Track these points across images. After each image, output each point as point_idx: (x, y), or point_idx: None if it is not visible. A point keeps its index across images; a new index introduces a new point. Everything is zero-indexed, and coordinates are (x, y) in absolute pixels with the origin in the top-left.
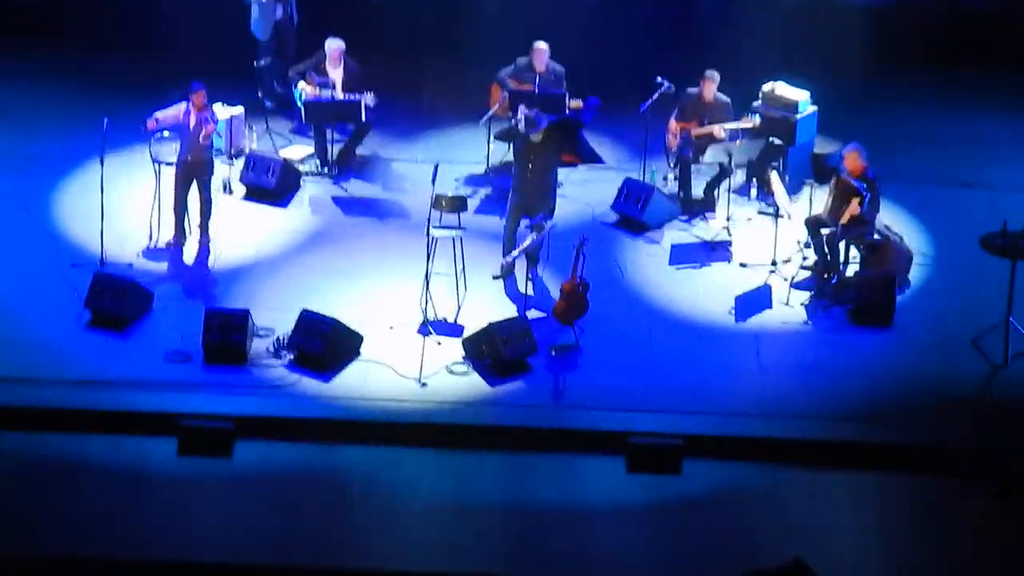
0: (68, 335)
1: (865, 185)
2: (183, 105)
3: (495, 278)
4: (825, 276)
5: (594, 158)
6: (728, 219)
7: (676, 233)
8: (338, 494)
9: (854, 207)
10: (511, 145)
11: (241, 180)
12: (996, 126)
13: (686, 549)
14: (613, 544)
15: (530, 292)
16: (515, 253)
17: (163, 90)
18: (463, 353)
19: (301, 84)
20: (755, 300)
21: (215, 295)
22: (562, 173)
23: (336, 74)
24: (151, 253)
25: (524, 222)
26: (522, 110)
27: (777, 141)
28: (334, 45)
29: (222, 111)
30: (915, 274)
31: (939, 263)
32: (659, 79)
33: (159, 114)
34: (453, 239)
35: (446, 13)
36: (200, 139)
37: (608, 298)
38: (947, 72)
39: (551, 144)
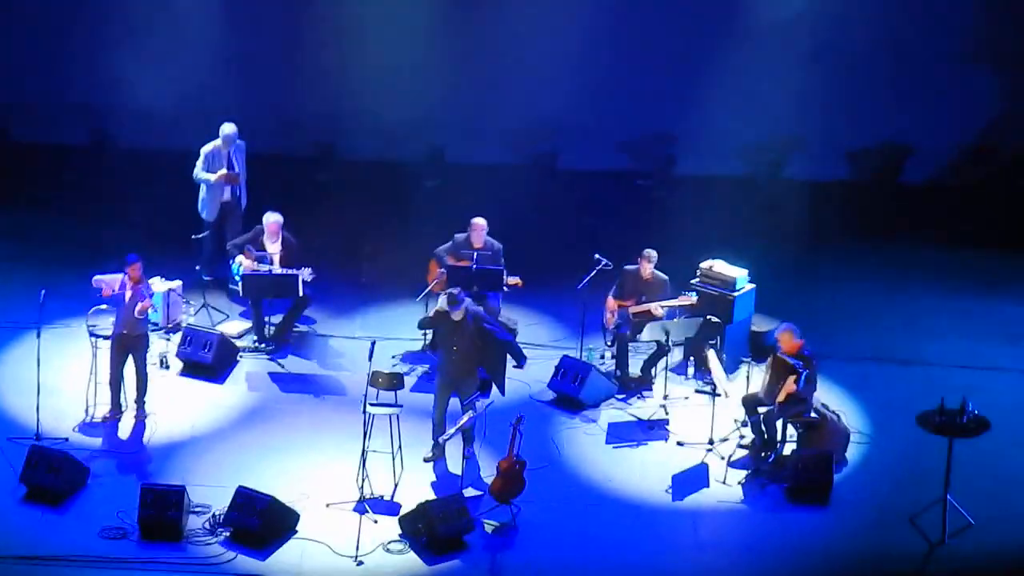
0: (3, 510)
1: (802, 363)
2: (119, 277)
3: (426, 460)
4: (762, 454)
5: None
6: (665, 397)
7: (613, 412)
8: None
9: (790, 385)
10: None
11: (178, 355)
12: (933, 302)
13: None
14: None
15: (466, 470)
16: (451, 432)
17: (101, 260)
18: (399, 531)
19: (239, 258)
20: (692, 478)
21: (151, 470)
22: None
23: (274, 248)
24: (87, 427)
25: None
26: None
27: (715, 319)
28: (272, 219)
29: (160, 284)
30: (852, 452)
31: (876, 441)
32: (597, 256)
33: (101, 278)
34: (390, 416)
35: (384, 189)
36: (135, 313)
37: (545, 476)
38: (885, 248)
39: (471, 322)
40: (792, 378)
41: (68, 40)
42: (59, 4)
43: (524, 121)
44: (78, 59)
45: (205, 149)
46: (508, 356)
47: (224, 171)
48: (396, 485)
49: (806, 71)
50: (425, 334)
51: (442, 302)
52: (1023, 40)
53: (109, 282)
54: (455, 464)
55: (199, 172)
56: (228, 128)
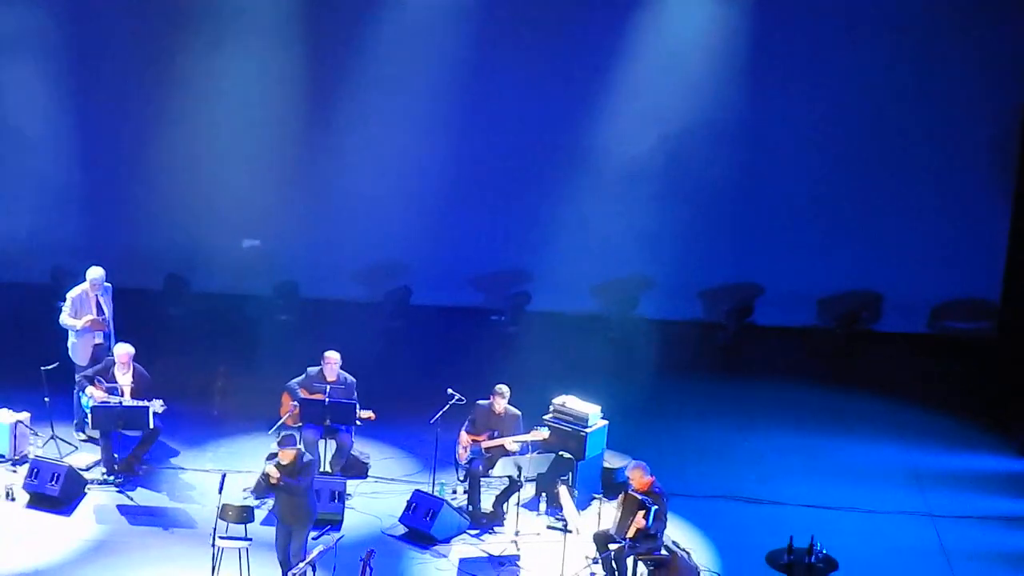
0: None
1: (651, 499)
2: None
3: None
4: None
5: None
6: (517, 533)
7: (465, 547)
8: None
9: (639, 520)
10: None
11: (24, 487)
12: (783, 440)
13: None
14: None
15: None
16: (300, 566)
17: None
18: None
19: (89, 389)
20: None
21: None
22: (350, 485)
23: (125, 379)
24: None
25: (313, 533)
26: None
27: (567, 454)
28: (123, 350)
29: (6, 416)
30: None
31: None
32: (450, 391)
33: None
34: (239, 550)
35: (237, 323)
36: None
37: None
38: (736, 386)
39: (299, 466)
40: (641, 513)
41: None
42: None
43: (378, 256)
44: None
45: (72, 294)
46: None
47: (90, 316)
48: None
49: (659, 210)
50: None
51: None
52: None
53: None
54: None
55: (65, 318)
56: (95, 272)
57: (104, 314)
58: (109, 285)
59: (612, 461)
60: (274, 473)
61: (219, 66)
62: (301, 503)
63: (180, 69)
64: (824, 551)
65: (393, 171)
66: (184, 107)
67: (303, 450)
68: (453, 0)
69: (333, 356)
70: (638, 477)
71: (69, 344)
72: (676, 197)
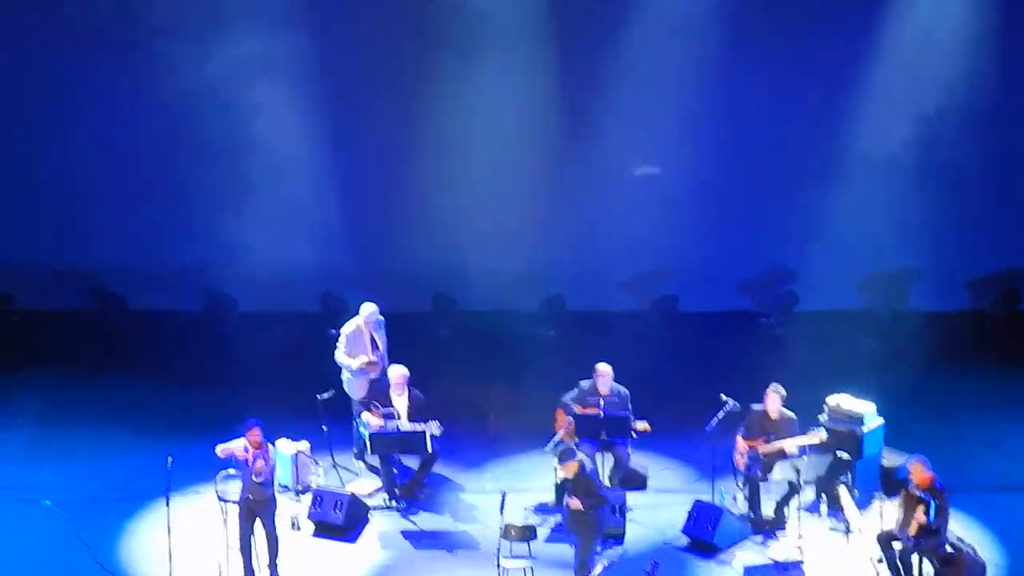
0: None
1: (931, 495)
2: (242, 441)
3: None
4: None
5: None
6: (799, 537)
7: (748, 554)
8: None
9: (921, 517)
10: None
11: (309, 516)
12: None
13: None
14: None
15: None
16: None
17: (226, 425)
18: None
19: (365, 415)
20: None
21: None
22: (631, 498)
23: (400, 403)
24: None
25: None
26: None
27: (844, 455)
28: (398, 372)
29: (287, 446)
30: None
31: (1014, 572)
32: (724, 397)
33: (222, 446)
34: (524, 569)
35: (506, 340)
36: (252, 475)
37: None
38: (1009, 375)
39: (582, 478)
40: (922, 509)
41: (182, 206)
42: (170, 171)
43: (643, 265)
44: (193, 225)
45: (346, 330)
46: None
47: (365, 358)
48: None
49: (918, 200)
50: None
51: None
52: None
53: (232, 449)
54: None
55: (341, 356)
56: (368, 308)
57: (379, 350)
58: (382, 319)
59: (890, 459)
60: (576, 505)
61: (472, 81)
62: (590, 514)
63: (433, 87)
64: None
65: (652, 177)
66: (440, 125)
67: (584, 460)
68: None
69: (605, 369)
70: (919, 472)
71: (344, 379)
72: (934, 186)
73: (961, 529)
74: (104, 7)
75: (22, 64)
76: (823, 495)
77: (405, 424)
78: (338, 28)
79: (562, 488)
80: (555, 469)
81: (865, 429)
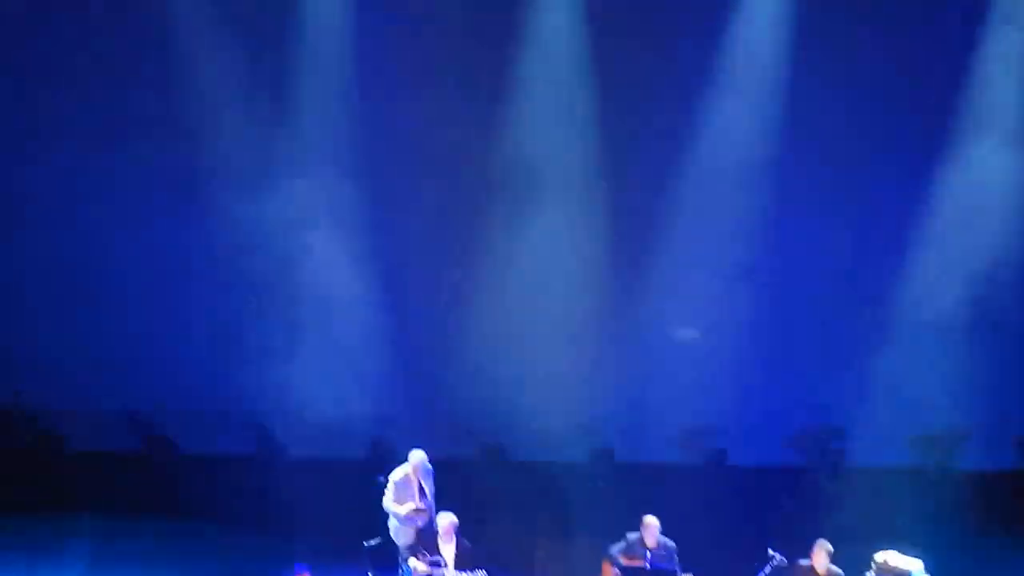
0: None
1: None
2: None
3: None
4: None
5: None
6: None
7: None
8: None
9: None
10: None
11: None
12: None
13: None
14: None
15: None
16: None
17: (274, 571)
18: None
19: (412, 561)
20: None
21: None
22: None
23: (448, 550)
24: None
25: None
26: None
27: None
28: (447, 520)
29: None
30: None
31: None
32: (770, 551)
33: None
34: None
35: (554, 491)
36: None
37: None
38: None
39: None
40: None
41: (233, 349)
42: (222, 314)
43: (692, 418)
44: (244, 368)
45: (395, 477)
46: None
47: (412, 505)
48: None
49: (970, 356)
50: None
51: None
52: None
53: None
54: None
55: (389, 503)
56: (417, 455)
57: (427, 497)
58: (431, 467)
59: None
60: None
61: (525, 227)
62: None
63: (487, 232)
64: None
65: (701, 329)
66: (492, 272)
67: None
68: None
69: (652, 521)
70: None
71: (391, 526)
72: (985, 343)
73: None
74: (161, 144)
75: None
76: None
77: (452, 573)
78: (390, 171)
79: None
80: None
81: None
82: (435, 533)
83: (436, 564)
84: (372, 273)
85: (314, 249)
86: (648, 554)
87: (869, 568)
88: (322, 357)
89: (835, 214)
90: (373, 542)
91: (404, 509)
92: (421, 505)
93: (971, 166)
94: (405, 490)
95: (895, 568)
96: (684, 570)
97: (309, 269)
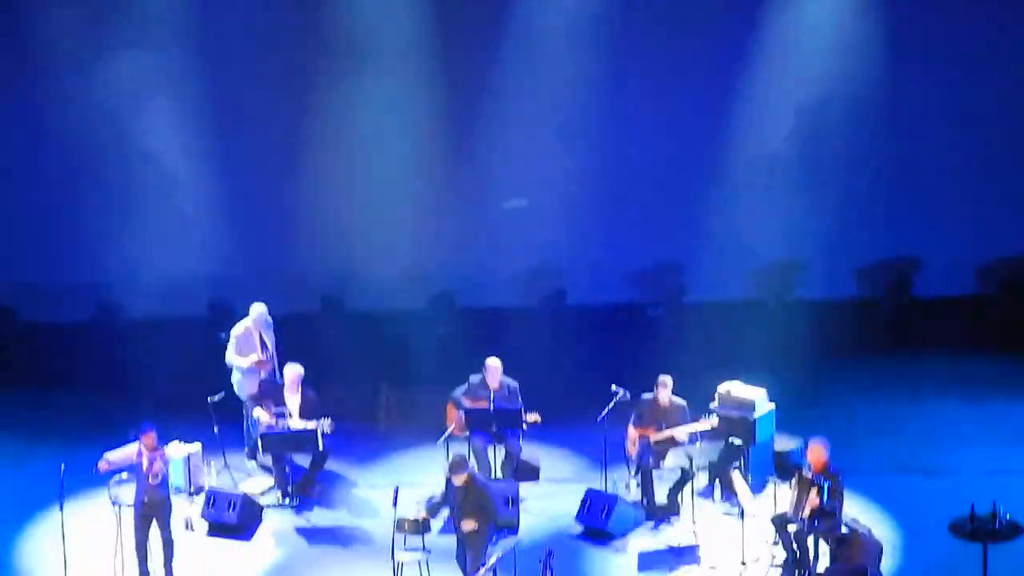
0: None
1: (824, 478)
2: (135, 446)
3: None
4: (796, 573)
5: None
6: (694, 522)
7: (642, 540)
8: None
9: (814, 499)
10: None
11: (202, 516)
12: (954, 411)
13: None
14: None
15: None
16: (481, 572)
17: (117, 430)
18: None
19: (256, 411)
20: None
21: None
22: (524, 489)
23: (293, 401)
24: None
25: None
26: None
27: (737, 441)
28: (293, 372)
29: (179, 448)
30: (886, 565)
31: (909, 552)
32: (614, 387)
33: (109, 455)
34: (419, 562)
35: (395, 339)
36: (149, 479)
37: None
38: (901, 361)
39: (473, 489)
40: (814, 491)
41: (70, 219)
42: (60, 185)
43: (530, 261)
44: (80, 237)
45: (236, 332)
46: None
47: (255, 356)
48: None
49: (806, 191)
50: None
51: (446, 467)
52: None
53: (118, 458)
54: None
55: (231, 356)
56: (258, 308)
57: (268, 350)
58: (271, 320)
59: (783, 443)
60: (470, 526)
61: (357, 87)
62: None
63: (319, 93)
64: (1007, 516)
65: (537, 174)
66: (325, 130)
67: (475, 471)
68: (585, 3)
69: (494, 363)
70: (816, 453)
71: (235, 381)
72: (820, 177)
73: (856, 511)
74: None
75: None
76: (717, 480)
77: (297, 422)
78: (223, 37)
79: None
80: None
81: (756, 415)
82: (279, 385)
83: (281, 415)
84: (205, 135)
85: (150, 118)
86: (491, 395)
87: (713, 399)
88: (159, 221)
89: (666, 60)
90: (217, 397)
91: (246, 362)
92: (263, 357)
93: (800, 3)
94: (246, 343)
95: (738, 398)
96: (528, 410)
97: (145, 138)
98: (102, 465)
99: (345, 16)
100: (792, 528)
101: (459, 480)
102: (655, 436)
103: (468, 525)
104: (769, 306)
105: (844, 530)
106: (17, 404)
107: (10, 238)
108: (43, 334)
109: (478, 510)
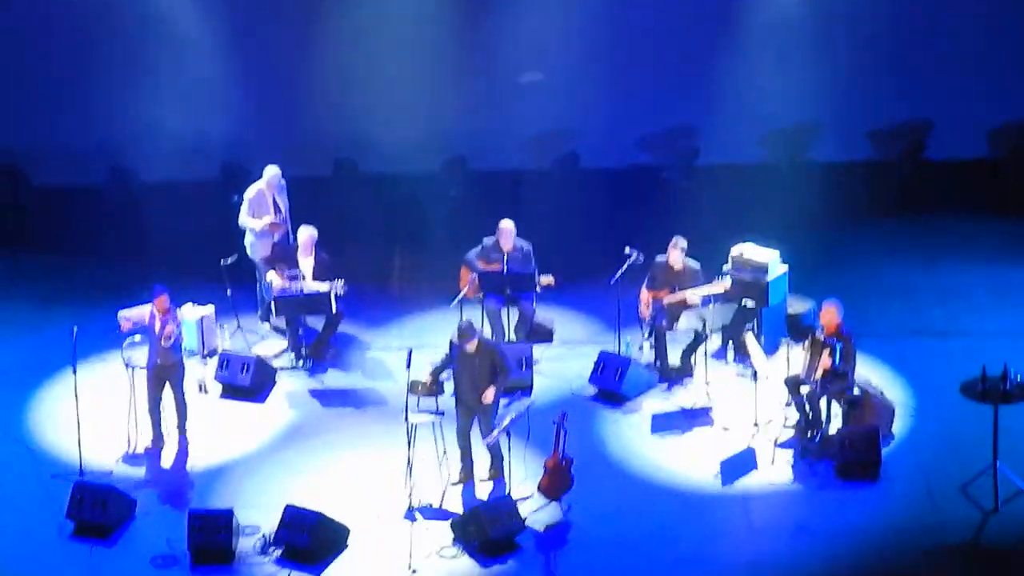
0: (51, 548)
1: (836, 339)
2: (148, 308)
3: (454, 484)
4: (808, 434)
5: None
6: (707, 384)
7: (656, 402)
8: None
9: (826, 361)
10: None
11: (216, 379)
12: (966, 273)
13: None
14: None
15: (514, 471)
16: (495, 434)
17: (130, 293)
18: (451, 536)
19: (269, 275)
20: (740, 463)
21: (197, 496)
22: (537, 351)
23: (307, 263)
24: (130, 459)
25: (504, 400)
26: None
27: (750, 303)
28: (307, 234)
29: (192, 311)
30: (899, 426)
31: (922, 414)
32: (627, 249)
33: (125, 312)
34: (432, 424)
35: (410, 202)
36: (162, 341)
37: (593, 471)
38: (914, 223)
39: (487, 356)
40: (827, 353)
41: (83, 82)
42: (71, 48)
43: (543, 124)
44: (95, 100)
45: (248, 194)
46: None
47: (268, 218)
48: (444, 491)
49: (818, 53)
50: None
51: (455, 335)
52: None
53: (134, 317)
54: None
55: (244, 218)
56: (271, 171)
57: (281, 213)
58: (284, 183)
59: (796, 306)
60: (490, 398)
61: None
62: (484, 387)
63: None
64: (1019, 377)
65: (552, 36)
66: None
67: (485, 337)
68: None
69: (508, 225)
70: (829, 315)
71: (247, 243)
72: (834, 39)
73: (869, 373)
74: None
75: None
76: (730, 343)
77: (310, 285)
78: None
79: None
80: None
81: (769, 277)
82: (292, 248)
83: (294, 277)
84: (223, 1)
85: None
86: (505, 258)
87: (726, 262)
88: (173, 83)
89: None
90: (230, 259)
91: (259, 224)
92: (276, 219)
93: None
94: (260, 205)
95: (751, 260)
96: (541, 272)
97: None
98: (124, 324)
99: None
100: (805, 390)
101: (471, 346)
102: (668, 298)
103: (489, 396)
104: (782, 169)
105: (856, 392)
106: (31, 268)
107: (23, 101)
108: (56, 198)
109: (491, 373)
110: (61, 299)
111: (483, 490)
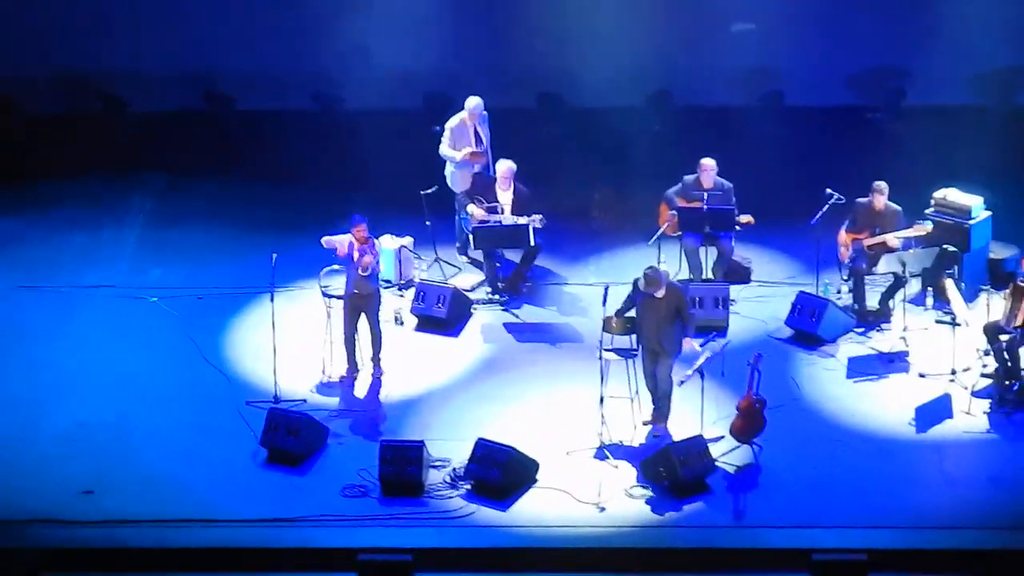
0: (245, 474)
1: None
2: (347, 237)
3: (645, 424)
4: (1006, 383)
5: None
6: (905, 329)
7: (852, 346)
8: None
9: None
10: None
11: (412, 311)
12: None
13: None
14: None
15: (706, 412)
16: (689, 373)
17: (329, 222)
18: (641, 476)
19: (470, 207)
20: (936, 410)
21: (389, 427)
22: (734, 291)
23: (505, 197)
24: (324, 387)
25: (699, 340)
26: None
27: (951, 248)
28: (505, 166)
29: (390, 242)
30: None
31: None
32: (829, 191)
33: (327, 238)
34: (626, 361)
35: (612, 137)
36: (359, 270)
37: (786, 414)
38: None
39: (673, 299)
40: None
41: (289, 8)
42: None
43: (748, 60)
44: (301, 26)
45: (450, 124)
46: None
47: (469, 149)
48: (635, 429)
49: None
50: None
51: (642, 282)
52: None
53: (338, 242)
54: (686, 410)
55: (445, 149)
56: (473, 101)
57: (483, 144)
58: (486, 114)
59: (998, 252)
60: (691, 345)
61: None
62: (669, 329)
63: None
64: None
65: None
66: None
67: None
68: None
69: (709, 163)
70: None
71: (447, 173)
72: None
73: None
74: None
75: None
76: (929, 287)
77: (509, 218)
78: None
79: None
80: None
81: (972, 222)
82: (492, 180)
83: (493, 210)
84: None
85: None
86: (705, 196)
87: (929, 206)
88: (379, 13)
89: None
90: (430, 190)
91: (460, 154)
92: (477, 150)
93: None
94: (461, 136)
95: (955, 204)
96: (741, 211)
97: None
98: (323, 241)
99: None
100: (1005, 338)
101: (660, 293)
102: (868, 241)
103: (689, 345)
104: (991, 112)
105: None
106: (234, 194)
107: (232, 27)
108: (261, 123)
109: (675, 316)
110: (264, 225)
111: (676, 430)
